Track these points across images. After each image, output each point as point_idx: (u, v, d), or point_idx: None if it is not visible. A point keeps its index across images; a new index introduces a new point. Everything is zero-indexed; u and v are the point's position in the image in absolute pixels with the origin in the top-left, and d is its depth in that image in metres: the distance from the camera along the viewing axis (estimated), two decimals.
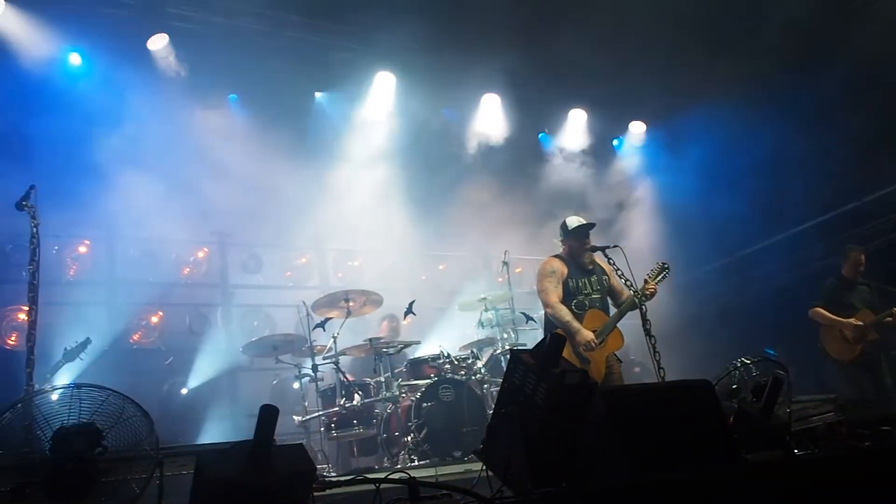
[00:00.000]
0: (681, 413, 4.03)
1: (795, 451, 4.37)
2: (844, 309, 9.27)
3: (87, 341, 7.91)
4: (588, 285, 7.48)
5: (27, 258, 5.84)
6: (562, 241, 7.71)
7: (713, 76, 12.68)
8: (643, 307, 6.88)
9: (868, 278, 9.54)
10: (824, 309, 9.36)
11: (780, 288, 13.23)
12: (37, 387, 5.73)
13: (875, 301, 9.28)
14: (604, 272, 7.62)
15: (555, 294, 7.40)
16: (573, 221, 7.62)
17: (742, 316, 13.12)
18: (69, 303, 9.90)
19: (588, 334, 7.10)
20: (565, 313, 7.25)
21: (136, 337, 10.33)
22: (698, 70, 12.56)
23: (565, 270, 7.50)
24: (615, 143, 14.62)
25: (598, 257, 7.59)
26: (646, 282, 7.14)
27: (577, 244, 7.54)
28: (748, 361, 5.86)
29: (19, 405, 4.07)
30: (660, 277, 7.28)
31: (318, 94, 12.01)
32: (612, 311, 7.48)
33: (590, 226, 7.62)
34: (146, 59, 10.37)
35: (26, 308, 6.26)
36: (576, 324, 7.17)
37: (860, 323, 9.07)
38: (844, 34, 11.09)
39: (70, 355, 7.78)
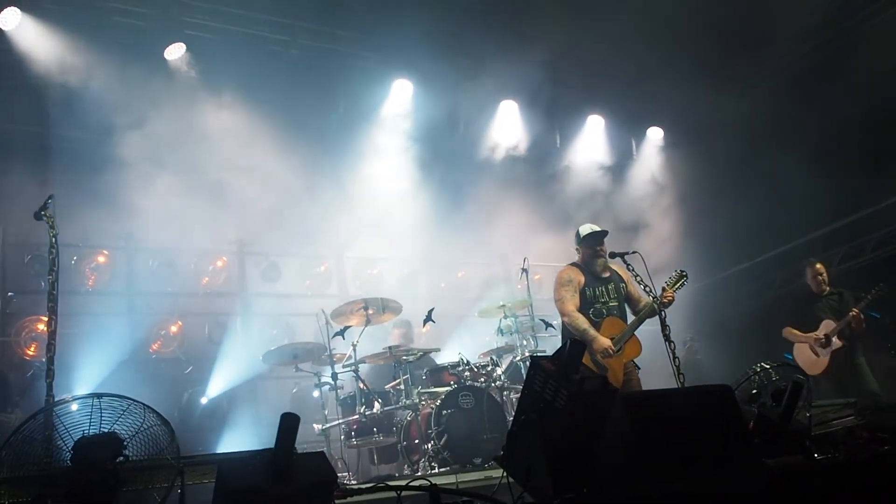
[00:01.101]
0: (701, 419, 4.02)
1: (816, 455, 4.34)
2: (813, 323, 9.34)
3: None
4: (605, 293, 7.52)
5: (46, 268, 5.87)
6: (577, 248, 7.79)
7: (731, 83, 12.72)
8: (662, 313, 6.87)
9: (841, 285, 9.57)
10: (793, 327, 9.49)
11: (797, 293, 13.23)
12: (56, 397, 5.77)
13: (844, 308, 9.18)
14: (621, 279, 7.65)
15: (571, 303, 7.44)
16: (585, 229, 7.70)
17: (760, 322, 13.06)
18: (88, 313, 9.97)
19: (605, 341, 7.12)
20: (582, 321, 7.29)
21: (155, 346, 10.38)
22: (717, 77, 12.58)
23: (582, 279, 7.56)
24: (633, 148, 14.57)
25: (616, 264, 7.61)
26: (664, 289, 7.16)
27: (589, 251, 7.62)
28: (768, 366, 5.85)
29: (40, 415, 4.10)
30: (678, 285, 7.31)
31: (335, 102, 12.01)
32: (630, 318, 7.49)
33: (602, 233, 7.69)
34: (164, 69, 10.42)
35: (45, 318, 6.31)
36: (592, 331, 7.21)
37: (819, 335, 9.14)
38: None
39: None
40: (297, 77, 11.17)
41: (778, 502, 3.39)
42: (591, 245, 7.61)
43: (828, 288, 9.49)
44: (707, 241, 12.99)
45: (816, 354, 9.19)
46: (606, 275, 7.63)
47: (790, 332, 9.51)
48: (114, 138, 9.68)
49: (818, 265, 9.61)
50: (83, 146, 9.79)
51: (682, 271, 7.42)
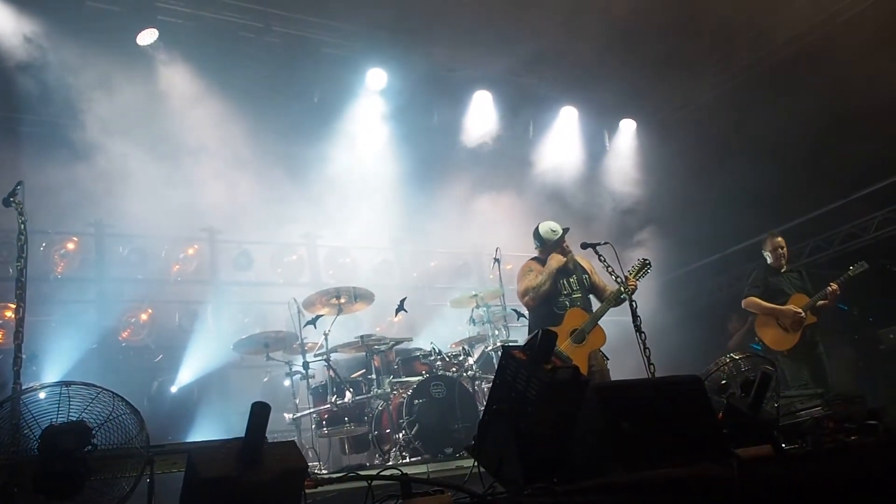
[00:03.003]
0: (671, 408, 4.06)
1: (783, 445, 4.39)
2: (777, 296, 9.02)
3: (34, 356, 7.92)
4: (568, 286, 7.60)
5: (14, 255, 5.79)
6: (538, 248, 7.89)
7: (705, 76, 12.81)
8: (633, 303, 6.90)
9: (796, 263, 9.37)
10: (759, 298, 9.09)
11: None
12: (24, 385, 5.71)
13: (807, 286, 9.07)
14: (584, 271, 7.73)
15: (529, 280, 7.61)
16: (547, 232, 7.80)
17: (727, 313, 13.21)
18: (57, 300, 9.87)
19: (558, 257, 7.49)
20: (534, 282, 7.52)
21: (125, 334, 10.28)
22: (690, 69, 12.65)
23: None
24: (606, 140, 14.60)
25: (580, 255, 7.67)
26: (626, 278, 7.18)
27: (561, 253, 7.71)
28: (737, 357, 5.90)
29: (7, 404, 4.05)
30: (640, 273, 7.36)
31: (309, 91, 11.93)
32: (596, 307, 7.56)
33: (564, 231, 7.80)
34: (137, 55, 10.28)
35: (13, 305, 6.23)
36: (546, 278, 7.49)
37: (798, 309, 8.78)
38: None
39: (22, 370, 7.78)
40: (270, 65, 11.07)
41: (746, 491, 3.43)
42: (554, 248, 7.72)
43: (786, 265, 9.28)
44: (679, 233, 13.07)
45: (786, 330, 8.86)
46: (570, 267, 7.72)
47: (754, 303, 9.10)
48: (84, 124, 9.56)
49: (779, 238, 9.34)
50: (53, 132, 9.68)
51: (645, 260, 7.50)
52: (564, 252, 7.65)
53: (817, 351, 8.90)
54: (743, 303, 9.26)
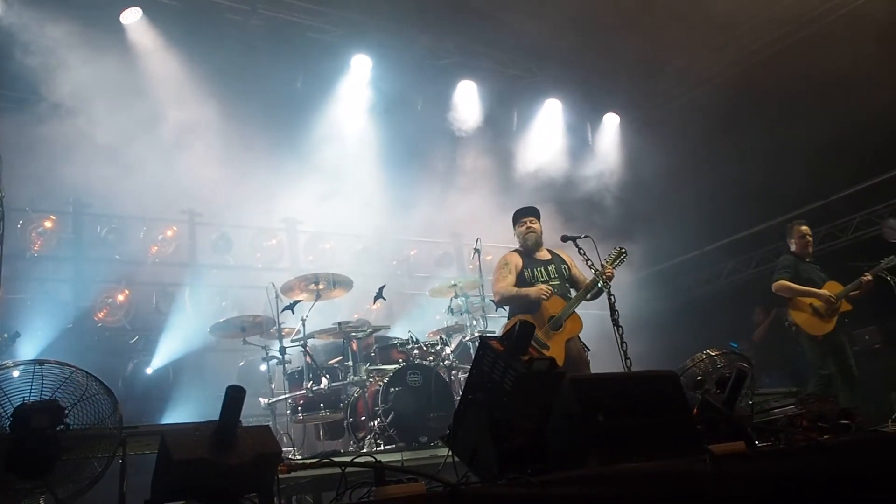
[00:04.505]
0: (647, 402, 4.08)
1: (756, 442, 4.42)
2: (807, 283, 8.85)
3: (16, 335, 7.85)
4: (545, 273, 7.64)
5: None
6: (515, 232, 8.01)
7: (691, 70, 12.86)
8: (612, 297, 6.92)
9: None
10: (790, 282, 8.89)
11: (743, 284, 13.54)
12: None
13: (828, 277, 8.96)
14: (563, 261, 7.79)
15: (503, 281, 7.62)
16: (517, 213, 7.99)
17: (706, 309, 13.30)
18: (33, 278, 9.80)
19: (542, 286, 7.36)
20: (510, 288, 7.53)
21: (101, 315, 10.21)
22: (675, 64, 12.70)
23: (520, 262, 7.72)
24: (589, 133, 14.63)
25: (559, 247, 7.71)
26: (603, 266, 7.20)
27: (521, 228, 7.86)
28: (713, 353, 5.94)
29: None
30: (617, 262, 7.38)
31: (293, 76, 11.87)
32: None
33: (527, 209, 7.95)
34: (120, 33, 10.20)
35: None
36: (523, 288, 7.46)
37: (832, 295, 8.65)
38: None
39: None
40: (255, 48, 11.01)
41: (718, 486, 3.45)
42: (519, 221, 7.88)
43: (810, 255, 9.18)
44: (659, 229, 13.13)
45: (820, 315, 8.68)
46: (546, 257, 7.79)
47: (786, 286, 8.85)
48: (65, 103, 9.47)
49: (805, 226, 9.22)
50: (33, 108, 9.56)
51: (621, 248, 7.50)
52: (531, 230, 7.79)
53: (845, 345, 8.86)
54: (774, 286, 9.00)
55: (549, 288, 7.32)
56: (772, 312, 11.13)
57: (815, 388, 8.48)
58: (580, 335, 7.49)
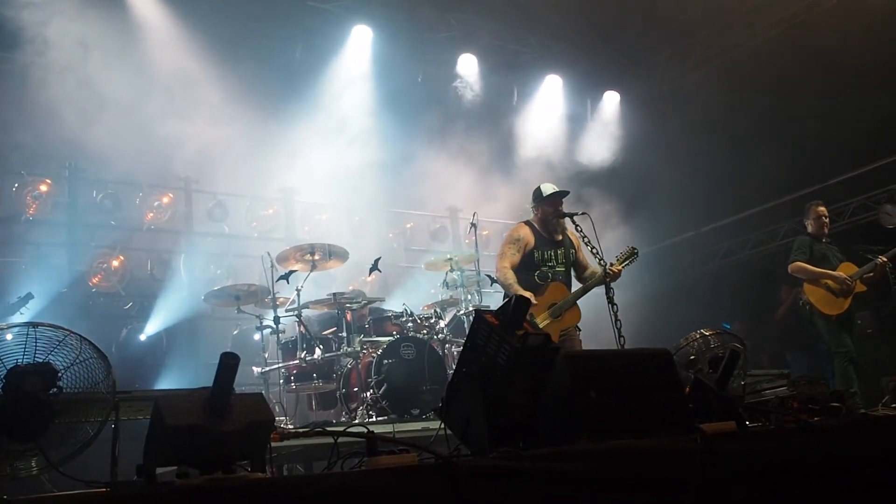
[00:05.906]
0: (640, 380, 4.09)
1: (747, 422, 4.44)
2: (822, 264, 8.91)
3: (29, 296, 7.85)
4: (554, 257, 7.46)
5: None
6: (533, 206, 7.65)
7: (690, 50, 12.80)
8: (610, 289, 6.91)
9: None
10: (806, 263, 8.95)
11: (739, 265, 13.56)
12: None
13: (844, 258, 9.01)
14: (572, 245, 7.60)
15: (507, 259, 7.40)
16: (548, 188, 7.55)
17: (701, 290, 13.32)
18: (28, 242, 9.78)
19: (527, 293, 7.02)
20: (509, 277, 7.27)
21: (95, 280, 10.20)
22: (675, 43, 12.65)
23: (532, 240, 7.47)
24: (589, 111, 14.57)
25: (569, 230, 7.58)
26: (612, 263, 7.13)
27: (550, 210, 7.48)
28: (707, 333, 5.95)
29: None
30: (627, 262, 7.30)
31: (293, 44, 11.79)
32: (574, 284, 7.54)
33: (563, 193, 7.59)
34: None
35: None
36: (518, 287, 7.14)
37: (846, 276, 8.70)
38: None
39: (11, 309, 7.72)
40: (254, 16, 10.93)
41: (708, 465, 3.47)
42: (553, 204, 7.48)
43: (826, 236, 9.19)
44: (656, 208, 13.13)
45: (835, 295, 8.73)
46: (559, 238, 7.55)
47: (802, 268, 8.92)
48: (61, 66, 9.39)
49: (822, 207, 9.25)
50: (29, 72, 9.50)
51: (633, 248, 7.39)
52: (557, 213, 7.51)
53: (855, 324, 8.97)
54: (790, 268, 9.05)
55: (534, 303, 6.96)
56: (794, 292, 11.13)
57: (839, 366, 8.59)
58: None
